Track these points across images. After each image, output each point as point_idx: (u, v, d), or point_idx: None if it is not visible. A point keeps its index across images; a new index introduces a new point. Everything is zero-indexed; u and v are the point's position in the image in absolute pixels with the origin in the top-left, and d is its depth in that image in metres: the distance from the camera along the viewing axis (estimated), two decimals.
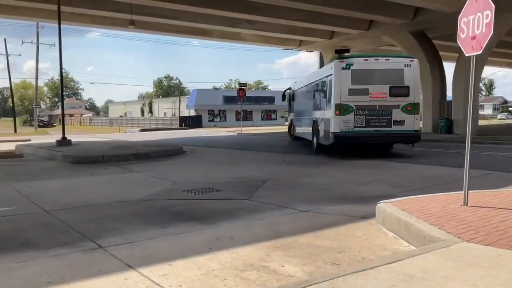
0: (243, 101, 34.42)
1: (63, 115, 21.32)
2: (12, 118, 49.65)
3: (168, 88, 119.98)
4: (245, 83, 30.24)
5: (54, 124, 79.07)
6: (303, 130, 19.03)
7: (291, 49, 36.16)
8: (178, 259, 4.16)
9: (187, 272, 3.82)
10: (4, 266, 4.05)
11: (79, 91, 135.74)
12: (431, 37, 27.06)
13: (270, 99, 66.49)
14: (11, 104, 52.57)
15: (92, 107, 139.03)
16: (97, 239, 4.88)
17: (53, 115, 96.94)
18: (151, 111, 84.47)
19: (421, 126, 14.82)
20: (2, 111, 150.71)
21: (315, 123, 16.02)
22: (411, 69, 13.46)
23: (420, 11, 23.46)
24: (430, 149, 16.17)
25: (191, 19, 24.66)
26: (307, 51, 39.01)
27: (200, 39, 33.70)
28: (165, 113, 74.10)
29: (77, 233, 5.20)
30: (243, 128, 35.37)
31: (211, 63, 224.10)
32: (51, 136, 29.53)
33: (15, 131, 42.17)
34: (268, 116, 66.39)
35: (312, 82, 17.31)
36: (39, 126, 56.42)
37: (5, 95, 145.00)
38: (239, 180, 9.23)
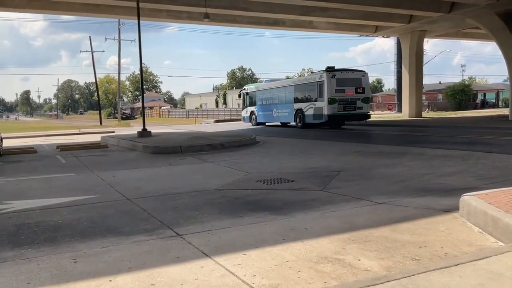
0: None
1: (143, 108, 22.36)
2: (98, 111, 52.85)
3: (242, 79, 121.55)
4: None
5: (136, 116, 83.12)
6: (277, 117, 28.25)
7: (366, 36, 35.08)
8: (252, 248, 4.18)
9: (261, 262, 3.83)
10: (90, 251, 4.30)
11: (158, 84, 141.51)
12: None
13: None
14: (97, 98, 55.93)
15: (170, 100, 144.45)
16: (175, 227, 5.04)
17: (134, 107, 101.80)
18: (225, 103, 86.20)
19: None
20: (89, 104, 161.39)
21: (299, 111, 25.17)
22: (365, 78, 23.57)
23: None
24: None
25: (263, 9, 24.68)
26: (383, 36, 37.70)
27: (272, 29, 33.78)
28: (238, 104, 75.17)
29: (156, 220, 5.40)
30: None
31: (284, 53, 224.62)
32: (133, 128, 31.10)
33: (101, 123, 44.95)
34: None
35: (290, 85, 26.86)
36: (122, 119, 59.58)
37: (91, 90, 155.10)
38: (312, 171, 9.13)
